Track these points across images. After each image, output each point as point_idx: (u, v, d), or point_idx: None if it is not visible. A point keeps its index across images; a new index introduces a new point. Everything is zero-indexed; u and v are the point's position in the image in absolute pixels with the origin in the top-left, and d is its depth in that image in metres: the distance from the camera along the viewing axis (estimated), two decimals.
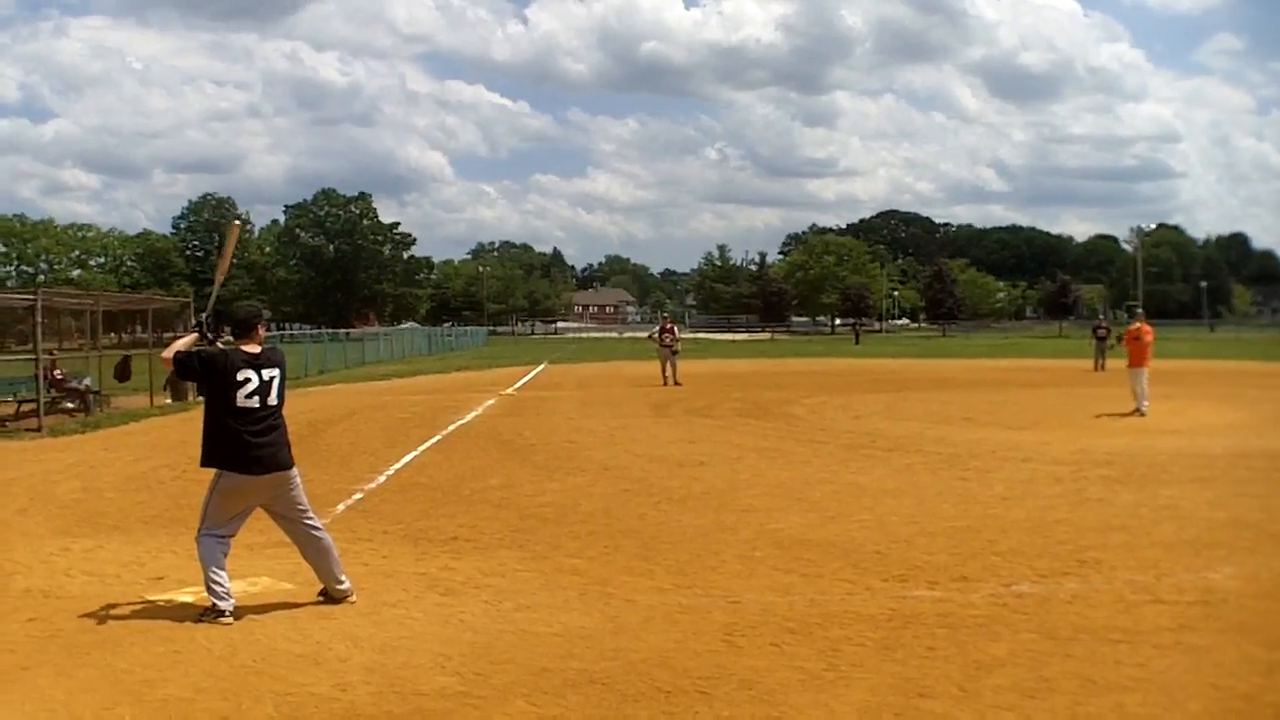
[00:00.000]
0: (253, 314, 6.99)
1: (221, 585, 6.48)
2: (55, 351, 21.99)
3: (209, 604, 6.48)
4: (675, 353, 29.34)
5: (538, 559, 8.18)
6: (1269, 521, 9.20)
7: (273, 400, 6.74)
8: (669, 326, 30.22)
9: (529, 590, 7.17)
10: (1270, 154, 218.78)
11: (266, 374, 6.73)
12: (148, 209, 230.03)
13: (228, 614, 6.40)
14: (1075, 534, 8.86)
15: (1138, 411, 18.74)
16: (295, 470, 6.88)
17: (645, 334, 36.48)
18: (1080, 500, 10.53)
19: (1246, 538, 8.61)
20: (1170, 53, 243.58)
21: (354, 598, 6.84)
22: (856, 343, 65.12)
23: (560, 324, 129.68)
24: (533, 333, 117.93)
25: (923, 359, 45.65)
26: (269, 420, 6.72)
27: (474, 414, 20.47)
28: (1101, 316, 37.07)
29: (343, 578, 6.86)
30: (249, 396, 6.63)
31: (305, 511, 6.87)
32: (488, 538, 9.04)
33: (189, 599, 6.86)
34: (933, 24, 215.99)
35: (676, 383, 28.33)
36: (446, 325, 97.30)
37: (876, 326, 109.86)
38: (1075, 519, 9.54)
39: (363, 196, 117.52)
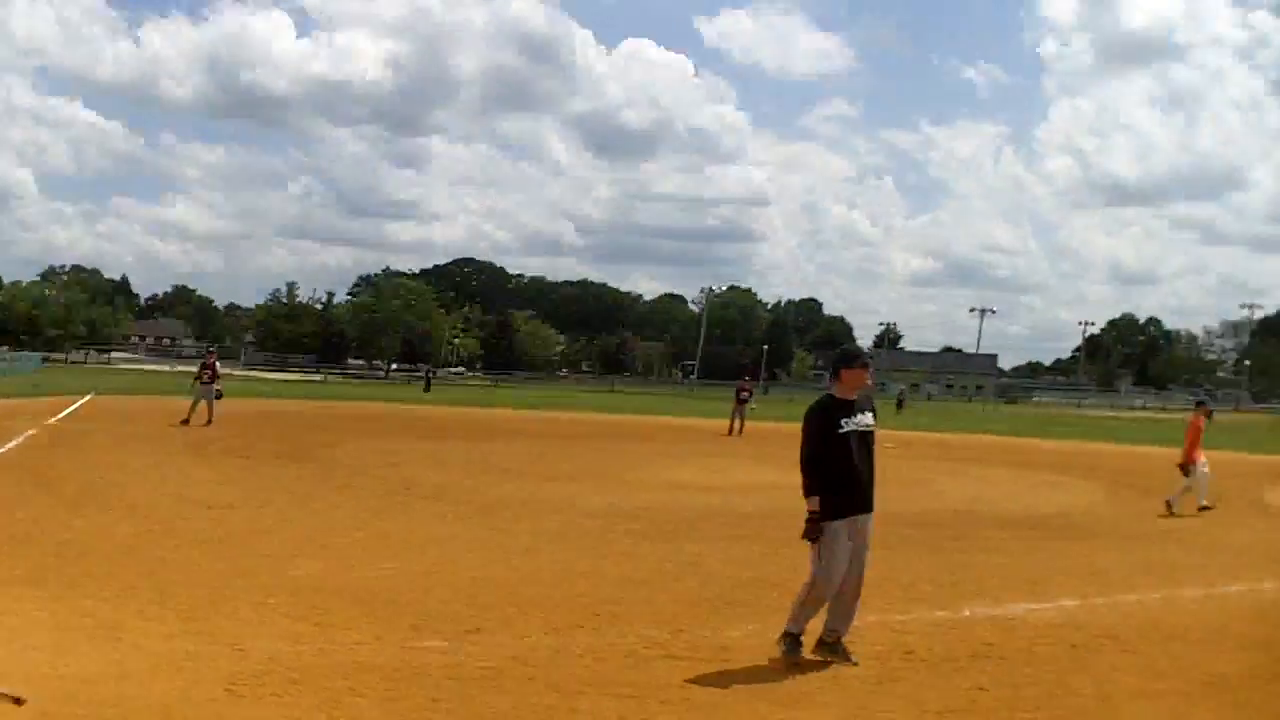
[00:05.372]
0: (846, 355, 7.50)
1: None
2: None
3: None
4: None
5: (53, 599, 7.64)
6: (797, 582, 9.53)
7: None
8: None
9: (40, 631, 6.66)
10: (859, 221, 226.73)
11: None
12: None
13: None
14: (595, 587, 9.00)
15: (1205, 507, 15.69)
16: None
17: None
18: (605, 553, 10.76)
19: (771, 597, 8.51)
20: (777, 116, 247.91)
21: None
22: (426, 390, 63.80)
23: (115, 354, 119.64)
24: (86, 361, 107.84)
25: (473, 408, 45.82)
26: None
27: (10, 445, 18.67)
28: (748, 379, 37.01)
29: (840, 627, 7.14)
30: None
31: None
32: (5, 574, 8.41)
33: None
34: (542, 74, 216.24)
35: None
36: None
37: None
38: (597, 571, 9.72)
39: None
